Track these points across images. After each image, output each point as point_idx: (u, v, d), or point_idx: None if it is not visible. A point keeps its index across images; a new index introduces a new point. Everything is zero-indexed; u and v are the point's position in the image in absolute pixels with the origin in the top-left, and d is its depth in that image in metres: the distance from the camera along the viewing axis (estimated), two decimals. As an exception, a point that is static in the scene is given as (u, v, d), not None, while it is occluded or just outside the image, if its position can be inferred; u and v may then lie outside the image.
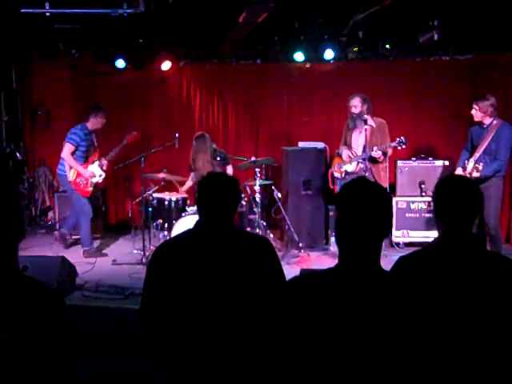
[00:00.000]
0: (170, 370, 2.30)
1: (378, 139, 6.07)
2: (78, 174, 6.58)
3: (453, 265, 2.08)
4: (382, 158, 6.06)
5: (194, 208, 6.27)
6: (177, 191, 7.04)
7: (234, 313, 2.25)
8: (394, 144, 5.97)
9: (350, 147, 6.34)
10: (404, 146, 5.99)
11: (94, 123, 6.67)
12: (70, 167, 6.57)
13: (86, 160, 6.71)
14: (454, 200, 2.15)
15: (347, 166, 6.31)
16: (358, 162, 6.18)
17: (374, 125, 6.10)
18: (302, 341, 1.75)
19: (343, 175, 6.34)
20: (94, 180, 6.69)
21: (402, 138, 5.92)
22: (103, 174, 6.78)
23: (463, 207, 2.14)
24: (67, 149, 6.53)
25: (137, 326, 2.38)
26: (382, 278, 1.79)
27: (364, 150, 6.07)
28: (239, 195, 2.51)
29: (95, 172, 6.70)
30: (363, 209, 1.77)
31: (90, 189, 6.68)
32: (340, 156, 6.46)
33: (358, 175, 6.09)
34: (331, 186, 6.71)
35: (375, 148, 5.97)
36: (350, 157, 6.28)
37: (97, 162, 6.74)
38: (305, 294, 1.80)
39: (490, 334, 2.02)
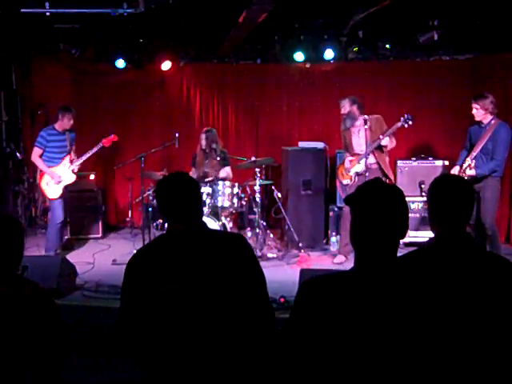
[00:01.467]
0: (154, 374, 2.28)
1: (378, 134, 6.03)
2: (44, 177, 6.48)
3: (447, 264, 2.08)
4: (389, 145, 6.05)
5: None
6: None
7: (212, 312, 2.22)
8: (399, 124, 5.87)
9: (352, 149, 6.31)
10: (410, 123, 5.85)
11: (60, 124, 6.48)
12: (39, 171, 6.54)
13: (59, 162, 6.52)
14: (447, 200, 2.15)
15: (355, 167, 6.20)
16: (366, 159, 6.07)
17: (369, 123, 6.03)
18: (320, 344, 1.72)
19: (354, 178, 6.22)
20: (62, 183, 6.48)
21: (406, 115, 5.83)
22: (73, 177, 6.56)
23: (456, 207, 2.14)
24: (33, 152, 6.46)
25: (115, 330, 2.31)
26: (401, 279, 1.77)
27: (368, 147, 6.06)
28: (197, 191, 2.43)
29: (62, 175, 6.48)
30: (380, 210, 1.74)
31: (59, 192, 6.45)
32: (343, 164, 6.40)
33: (368, 171, 6.01)
34: (342, 196, 6.55)
35: (381, 136, 5.94)
36: (351, 160, 6.23)
37: (67, 165, 6.52)
38: (322, 297, 1.76)
39: (484, 333, 2.02)
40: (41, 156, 6.46)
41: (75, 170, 6.58)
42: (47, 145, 6.43)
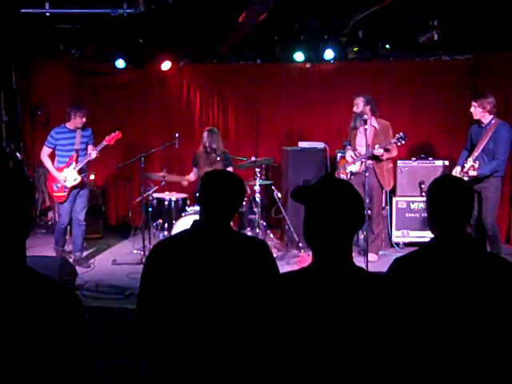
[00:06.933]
0: (166, 369, 2.30)
1: (381, 141, 6.13)
2: (53, 179, 6.28)
3: (447, 265, 2.09)
4: (384, 156, 6.12)
5: (194, 208, 6.27)
6: (176, 191, 7.05)
7: (227, 313, 2.24)
8: (393, 140, 6.04)
9: (354, 148, 6.41)
10: (403, 142, 6.05)
11: (73, 122, 6.26)
12: (49, 172, 6.37)
13: (66, 162, 6.32)
14: (446, 201, 2.16)
15: (351, 166, 6.36)
16: (362, 162, 6.20)
17: (377, 126, 6.19)
18: (281, 341, 1.73)
19: (349, 176, 6.37)
20: (68, 184, 6.23)
21: (400, 133, 6.00)
22: (78, 178, 6.26)
23: (456, 208, 2.15)
24: (42, 150, 6.32)
25: (134, 326, 2.37)
26: (356, 274, 1.79)
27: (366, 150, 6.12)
28: (242, 195, 2.47)
29: (68, 176, 6.24)
30: (332, 205, 1.76)
31: (65, 194, 6.24)
32: (345, 157, 6.55)
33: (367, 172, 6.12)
34: None
35: (377, 146, 6.02)
36: (352, 157, 6.37)
37: (73, 165, 6.26)
38: (282, 294, 1.79)
39: (483, 333, 2.02)
40: (51, 156, 6.31)
41: (77, 170, 6.27)
42: (56, 143, 6.26)
